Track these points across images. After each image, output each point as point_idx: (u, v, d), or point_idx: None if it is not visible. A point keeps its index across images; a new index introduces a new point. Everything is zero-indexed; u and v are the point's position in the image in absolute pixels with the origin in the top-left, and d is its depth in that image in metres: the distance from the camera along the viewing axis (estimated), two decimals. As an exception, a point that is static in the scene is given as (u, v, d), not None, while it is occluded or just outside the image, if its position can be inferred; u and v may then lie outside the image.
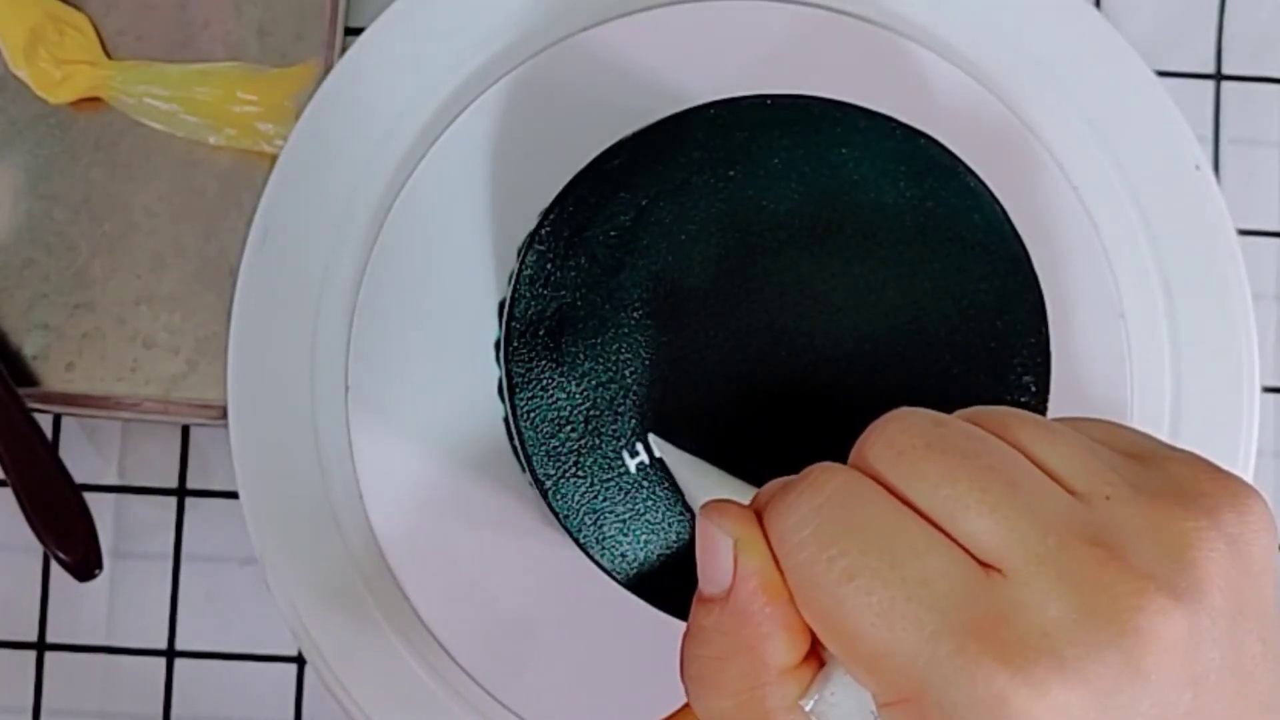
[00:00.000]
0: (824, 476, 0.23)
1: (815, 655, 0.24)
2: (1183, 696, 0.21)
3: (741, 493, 0.26)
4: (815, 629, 0.23)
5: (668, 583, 0.29)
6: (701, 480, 0.28)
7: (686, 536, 0.29)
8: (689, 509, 0.29)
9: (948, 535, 0.22)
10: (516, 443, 0.30)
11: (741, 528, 0.24)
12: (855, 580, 0.22)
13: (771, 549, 0.23)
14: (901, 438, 0.23)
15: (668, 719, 0.27)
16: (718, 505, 0.25)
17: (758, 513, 0.24)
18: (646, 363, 0.29)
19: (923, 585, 0.21)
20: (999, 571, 0.22)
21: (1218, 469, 0.23)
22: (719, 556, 0.24)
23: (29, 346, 0.42)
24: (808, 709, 0.23)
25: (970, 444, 0.23)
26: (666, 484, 0.29)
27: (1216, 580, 0.21)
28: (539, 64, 0.36)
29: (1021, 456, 0.23)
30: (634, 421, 0.29)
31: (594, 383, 0.29)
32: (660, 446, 0.29)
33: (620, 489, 0.29)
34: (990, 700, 0.20)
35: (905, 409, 0.24)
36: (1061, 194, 0.37)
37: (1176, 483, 0.23)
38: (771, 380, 0.29)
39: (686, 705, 0.25)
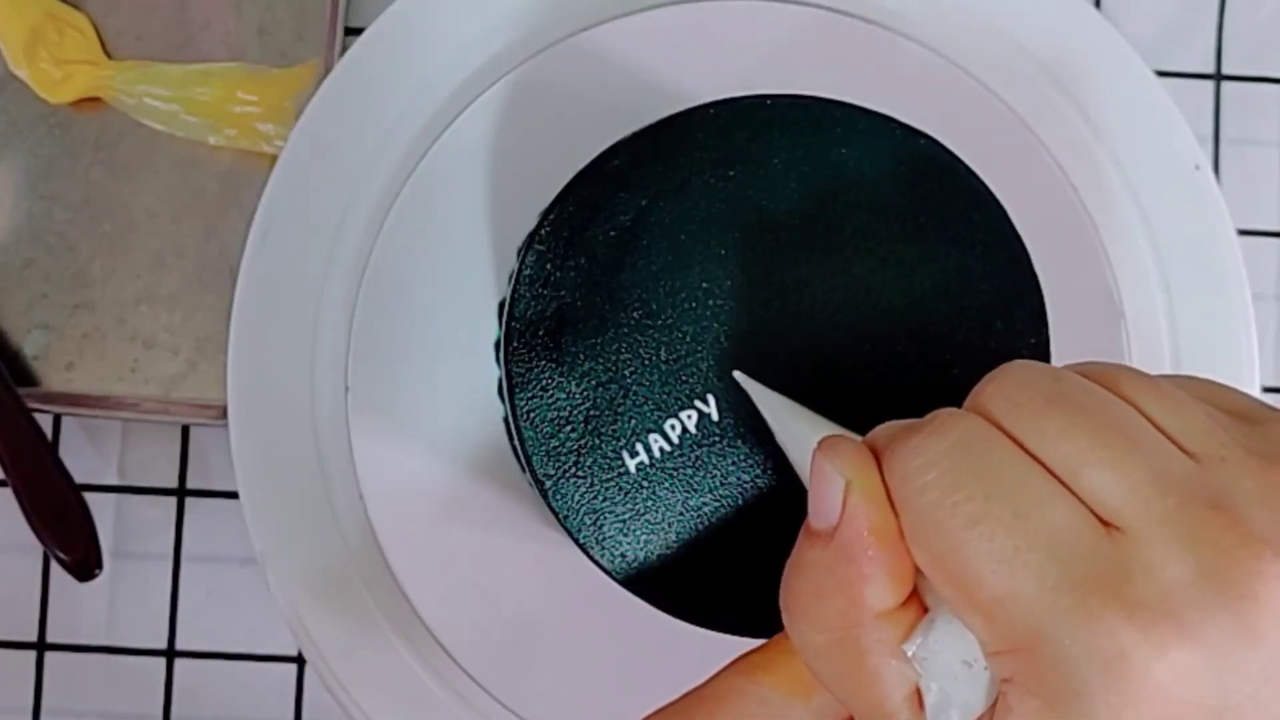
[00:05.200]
0: (950, 421, 0.23)
1: (914, 601, 0.24)
2: None
3: (838, 433, 0.26)
4: (929, 573, 0.23)
5: (668, 583, 0.29)
6: (798, 421, 0.28)
7: (687, 536, 0.29)
8: (776, 448, 0.29)
9: (1069, 489, 0.22)
10: (516, 443, 0.30)
11: (857, 467, 0.24)
12: (979, 526, 0.22)
13: (887, 490, 0.23)
14: (1019, 392, 0.23)
15: (764, 645, 0.27)
16: (834, 441, 0.24)
17: (873, 452, 0.24)
18: (646, 363, 0.29)
19: (1046, 536, 0.21)
20: (1119, 529, 0.22)
21: None
22: (830, 492, 0.24)
23: (29, 346, 0.42)
24: (909, 654, 0.23)
25: (1089, 399, 0.23)
26: (667, 483, 0.29)
27: None
28: (538, 64, 0.36)
29: (1138, 414, 0.23)
30: (634, 421, 0.29)
31: (594, 383, 0.29)
32: (747, 384, 0.29)
33: (620, 489, 0.29)
34: (1110, 654, 0.21)
35: (1019, 362, 0.24)
36: (1061, 194, 0.37)
37: None
38: (770, 381, 0.29)
39: (783, 634, 0.25)
